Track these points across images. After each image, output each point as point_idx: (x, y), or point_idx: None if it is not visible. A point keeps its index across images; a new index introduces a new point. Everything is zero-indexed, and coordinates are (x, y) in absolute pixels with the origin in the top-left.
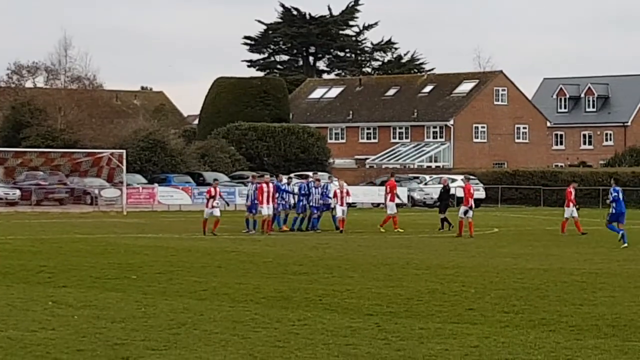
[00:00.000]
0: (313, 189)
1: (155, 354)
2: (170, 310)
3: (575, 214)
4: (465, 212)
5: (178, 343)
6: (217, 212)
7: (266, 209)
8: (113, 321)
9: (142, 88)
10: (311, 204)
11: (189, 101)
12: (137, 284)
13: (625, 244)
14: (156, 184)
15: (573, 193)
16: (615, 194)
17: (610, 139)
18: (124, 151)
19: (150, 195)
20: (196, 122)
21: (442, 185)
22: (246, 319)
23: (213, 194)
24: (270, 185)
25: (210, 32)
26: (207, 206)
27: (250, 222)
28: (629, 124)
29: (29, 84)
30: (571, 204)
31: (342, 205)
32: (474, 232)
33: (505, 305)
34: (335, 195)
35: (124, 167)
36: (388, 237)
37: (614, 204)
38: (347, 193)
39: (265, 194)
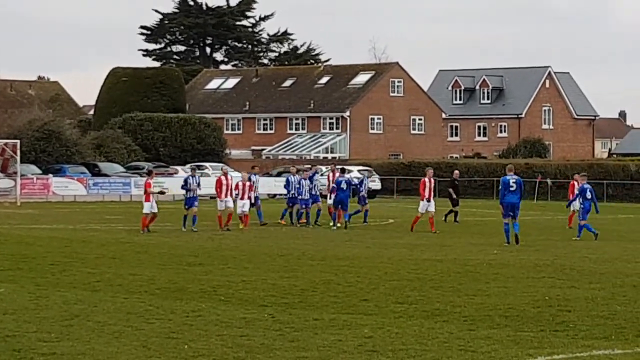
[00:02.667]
0: (303, 181)
1: (47, 345)
2: (64, 302)
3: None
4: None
5: (71, 335)
6: (230, 204)
7: (222, 204)
8: (5, 313)
9: (40, 78)
10: (301, 197)
11: (85, 91)
12: (30, 275)
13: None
14: (51, 175)
15: (576, 185)
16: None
17: (505, 131)
18: (18, 141)
19: (44, 186)
20: (92, 112)
21: (453, 178)
22: (140, 310)
23: (241, 187)
24: (229, 178)
25: (108, 22)
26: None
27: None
28: (523, 115)
29: None
30: (571, 196)
31: (244, 199)
32: (370, 222)
33: (400, 296)
34: (237, 187)
35: (18, 158)
36: (284, 229)
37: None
38: (250, 187)
39: (224, 187)
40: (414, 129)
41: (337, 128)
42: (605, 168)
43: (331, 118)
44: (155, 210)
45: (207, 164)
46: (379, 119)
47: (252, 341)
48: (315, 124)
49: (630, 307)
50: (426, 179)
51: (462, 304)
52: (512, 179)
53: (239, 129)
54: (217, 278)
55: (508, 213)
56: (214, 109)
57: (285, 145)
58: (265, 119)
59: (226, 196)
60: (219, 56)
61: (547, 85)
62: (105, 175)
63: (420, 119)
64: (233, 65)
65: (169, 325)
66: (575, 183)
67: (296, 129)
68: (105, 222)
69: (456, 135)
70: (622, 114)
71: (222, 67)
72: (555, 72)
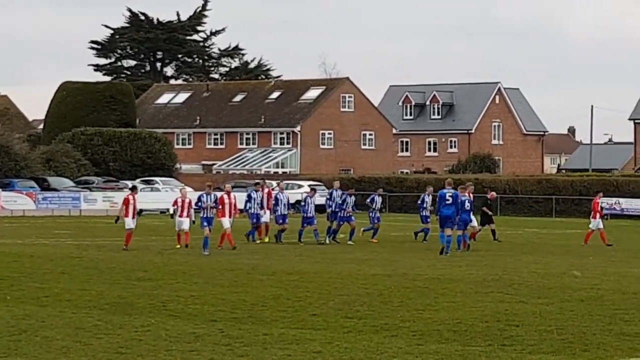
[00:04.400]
0: (280, 194)
1: None
2: (12, 317)
3: (601, 226)
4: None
5: (19, 350)
6: (226, 224)
7: (227, 222)
8: None
9: None
10: (277, 213)
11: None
12: None
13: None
14: None
15: (600, 204)
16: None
17: (455, 146)
18: None
19: None
20: (41, 126)
21: (487, 198)
22: (88, 326)
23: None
24: (232, 196)
25: (58, 36)
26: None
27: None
28: (472, 131)
29: None
30: (598, 215)
31: (183, 216)
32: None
33: (349, 310)
34: (175, 203)
35: None
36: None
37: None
38: (190, 204)
39: (227, 206)
40: (364, 144)
41: (287, 143)
42: (554, 183)
43: (282, 133)
44: (132, 226)
45: (157, 179)
46: (329, 134)
47: (201, 356)
48: (266, 138)
49: (577, 321)
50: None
51: (411, 319)
52: (448, 192)
53: (189, 144)
54: (166, 293)
55: (444, 225)
56: (164, 123)
57: (236, 160)
58: (215, 134)
59: (230, 216)
60: (169, 71)
61: (497, 101)
62: (55, 189)
63: (370, 134)
64: (184, 80)
65: (117, 340)
66: (598, 202)
67: (247, 144)
68: (55, 236)
69: (406, 150)
70: (571, 130)
71: (173, 81)
72: (505, 88)
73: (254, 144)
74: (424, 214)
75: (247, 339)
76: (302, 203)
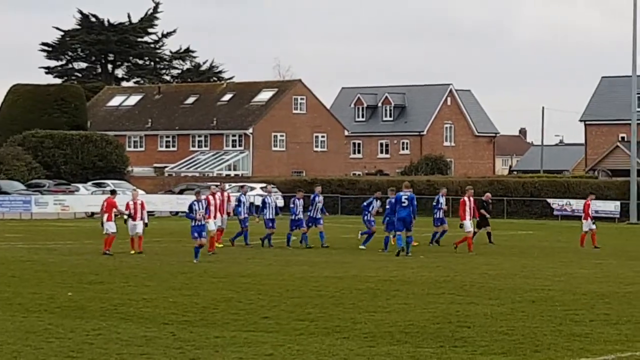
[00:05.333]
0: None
1: None
2: None
3: (593, 227)
4: (461, 226)
5: None
6: (212, 226)
7: (212, 224)
8: None
9: None
10: (266, 217)
11: None
12: None
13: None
14: None
15: (590, 206)
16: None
17: (407, 148)
18: None
19: None
20: None
21: (483, 200)
22: (39, 329)
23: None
24: (217, 196)
25: (8, 38)
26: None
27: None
28: (424, 133)
29: None
30: (589, 218)
31: (136, 219)
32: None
33: (300, 313)
34: (127, 207)
35: None
36: (186, 246)
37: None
38: (143, 206)
39: (212, 207)
40: (316, 146)
41: (240, 145)
42: (505, 185)
43: (234, 135)
44: (114, 230)
45: (109, 182)
46: (281, 136)
47: (152, 359)
48: (218, 141)
49: (528, 322)
50: (466, 198)
51: (363, 321)
52: (404, 195)
53: (141, 146)
54: (118, 296)
55: (401, 227)
56: (116, 126)
57: (188, 162)
58: (167, 136)
59: (215, 217)
60: (121, 73)
61: (449, 102)
62: (5, 193)
63: (322, 136)
64: (135, 82)
65: (68, 344)
66: (590, 203)
67: (199, 147)
68: (5, 240)
69: (359, 152)
70: (523, 131)
71: (124, 84)
72: (456, 90)
73: (206, 146)
74: (439, 216)
75: (199, 342)
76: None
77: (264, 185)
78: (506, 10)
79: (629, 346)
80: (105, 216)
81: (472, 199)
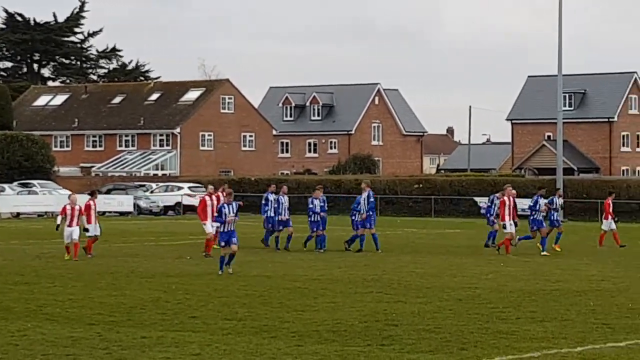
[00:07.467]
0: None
1: None
2: None
3: (614, 226)
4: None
5: None
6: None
7: (210, 227)
8: None
9: None
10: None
11: None
12: None
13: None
14: None
15: (611, 205)
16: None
17: (335, 147)
18: None
19: None
20: None
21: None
22: None
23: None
24: (214, 198)
25: None
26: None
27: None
28: (352, 132)
29: None
30: (610, 217)
31: (73, 225)
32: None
33: (228, 312)
34: (64, 211)
35: None
36: (113, 246)
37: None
38: (81, 211)
39: (209, 209)
40: (244, 146)
41: (167, 145)
42: (433, 183)
43: (161, 135)
44: (98, 233)
45: (35, 182)
46: (209, 135)
47: None
48: (145, 140)
49: (455, 320)
50: (505, 198)
51: (291, 320)
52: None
53: (67, 146)
54: (44, 297)
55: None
56: (42, 125)
57: (115, 162)
58: (94, 136)
59: (213, 219)
60: (47, 72)
61: (377, 102)
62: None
63: (250, 136)
64: (61, 82)
65: None
66: (610, 203)
67: (126, 146)
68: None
69: (287, 151)
70: (450, 131)
71: (51, 83)
72: (384, 90)
73: (133, 146)
74: (537, 217)
75: (126, 342)
76: (276, 205)
77: (272, 184)
78: (434, 9)
79: (555, 343)
80: (85, 218)
81: (512, 198)
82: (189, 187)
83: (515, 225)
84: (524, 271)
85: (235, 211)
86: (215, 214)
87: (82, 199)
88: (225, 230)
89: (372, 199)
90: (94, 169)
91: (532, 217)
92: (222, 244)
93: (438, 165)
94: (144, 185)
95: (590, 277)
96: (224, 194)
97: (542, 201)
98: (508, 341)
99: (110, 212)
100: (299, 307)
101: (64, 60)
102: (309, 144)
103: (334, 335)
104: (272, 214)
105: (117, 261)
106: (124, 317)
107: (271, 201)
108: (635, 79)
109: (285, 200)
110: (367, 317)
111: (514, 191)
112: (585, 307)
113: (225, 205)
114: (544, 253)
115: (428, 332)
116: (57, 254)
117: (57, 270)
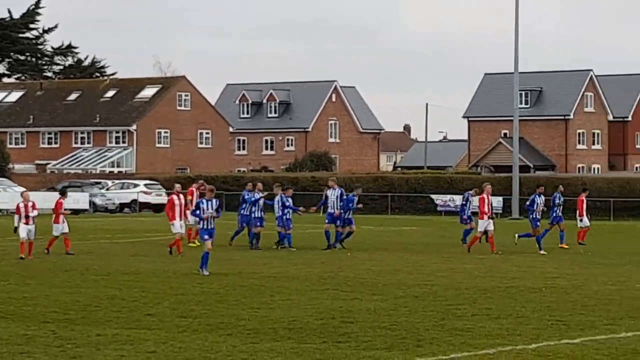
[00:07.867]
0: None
1: None
2: None
3: (587, 223)
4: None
5: None
6: (177, 229)
7: (178, 226)
8: None
9: None
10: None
11: None
12: None
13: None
14: None
15: (585, 202)
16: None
17: (292, 144)
18: None
19: None
20: None
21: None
22: None
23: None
24: (182, 197)
25: None
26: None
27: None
28: (309, 129)
29: None
30: (583, 214)
31: (29, 223)
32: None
33: (184, 310)
34: (18, 210)
35: None
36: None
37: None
38: (34, 206)
39: (177, 208)
40: (201, 143)
41: (123, 142)
42: (389, 181)
43: (117, 132)
44: (67, 231)
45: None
46: (165, 132)
47: (32, 358)
48: (101, 137)
49: (411, 317)
50: (484, 195)
51: (246, 317)
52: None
53: (22, 143)
54: None
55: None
56: None
57: (71, 159)
58: (50, 133)
59: (180, 218)
60: (1, 69)
61: (334, 99)
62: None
63: (207, 133)
64: (16, 79)
65: None
66: (584, 199)
67: (82, 143)
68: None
69: (244, 149)
70: (407, 128)
71: (5, 80)
72: (341, 87)
73: (89, 143)
74: (535, 216)
75: (80, 340)
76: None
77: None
78: (391, 7)
79: (510, 340)
80: (54, 217)
81: (489, 196)
82: (145, 185)
83: (492, 218)
84: (479, 268)
85: (214, 208)
86: (193, 208)
87: (34, 196)
88: (206, 227)
89: (344, 197)
90: (49, 166)
91: (531, 217)
92: (206, 237)
93: (395, 163)
94: (99, 183)
95: (546, 274)
96: (205, 189)
97: (540, 200)
98: (463, 338)
99: (65, 209)
100: (255, 305)
101: (19, 56)
102: (266, 141)
103: (289, 333)
104: (247, 213)
105: (72, 259)
106: (79, 314)
107: (248, 200)
108: (591, 77)
109: (251, 196)
110: (323, 314)
111: (489, 187)
112: (540, 304)
113: (204, 200)
114: (542, 252)
115: (384, 329)
116: (11, 252)
117: (11, 268)
